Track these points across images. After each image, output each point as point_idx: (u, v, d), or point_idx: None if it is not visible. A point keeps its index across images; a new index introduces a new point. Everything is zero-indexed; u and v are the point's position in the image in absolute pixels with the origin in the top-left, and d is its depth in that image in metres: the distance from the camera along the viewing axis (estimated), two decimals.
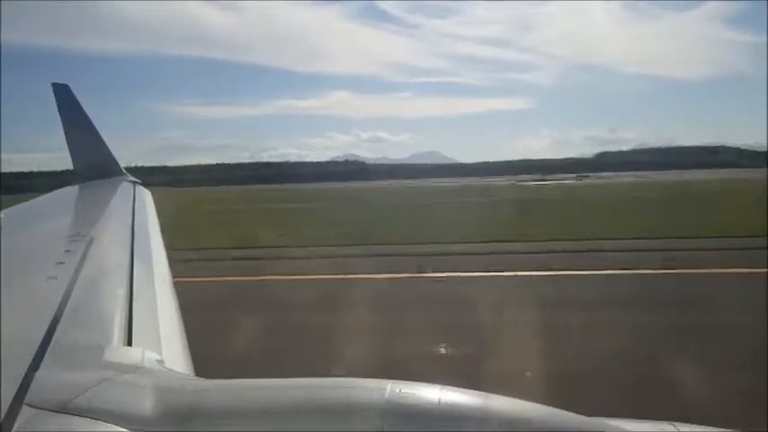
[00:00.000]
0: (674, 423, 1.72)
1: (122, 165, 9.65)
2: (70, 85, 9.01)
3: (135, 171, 9.83)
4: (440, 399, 1.49)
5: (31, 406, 1.56)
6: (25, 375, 1.76)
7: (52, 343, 2.09)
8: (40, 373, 1.79)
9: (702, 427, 1.75)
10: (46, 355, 1.96)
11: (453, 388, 1.56)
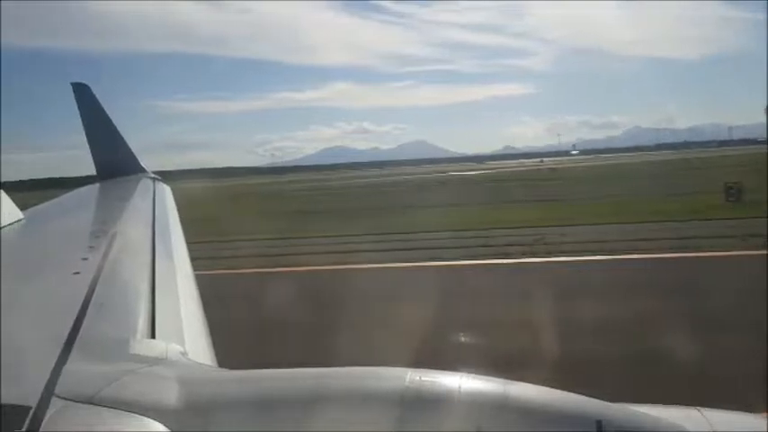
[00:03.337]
0: (699, 408, 1.71)
1: None
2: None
3: None
4: (460, 386, 1.51)
5: (60, 397, 1.60)
6: (54, 368, 1.80)
7: (79, 336, 2.13)
8: (68, 366, 1.83)
9: (728, 411, 1.75)
10: (73, 349, 2.00)
11: (474, 375, 1.58)
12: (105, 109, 9.17)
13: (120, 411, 1.53)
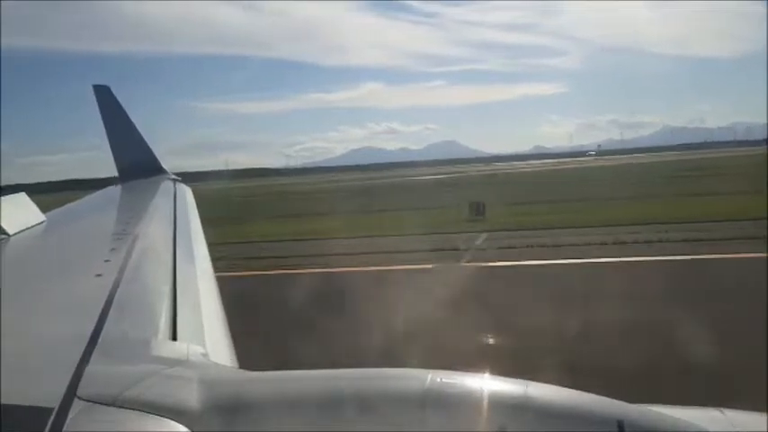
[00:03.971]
0: (721, 409, 1.70)
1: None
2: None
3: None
4: (481, 388, 1.50)
5: (82, 399, 1.60)
6: (76, 369, 1.79)
7: (101, 338, 2.13)
8: (90, 368, 1.83)
9: (750, 412, 1.73)
10: (95, 350, 2.00)
11: (495, 377, 1.57)
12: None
13: (141, 413, 1.52)
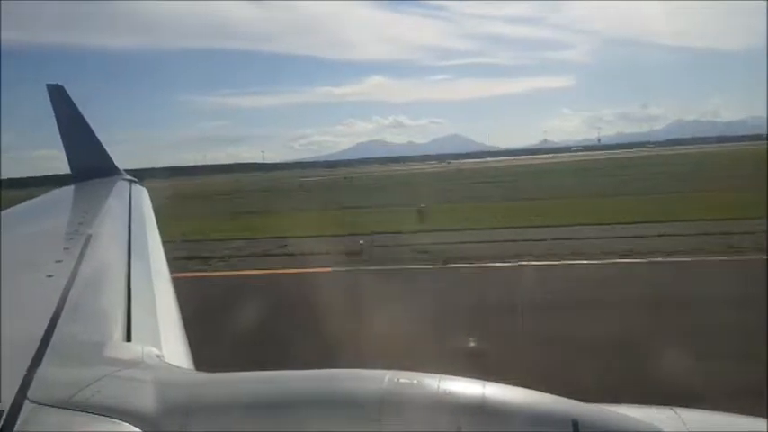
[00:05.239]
0: (674, 408, 1.73)
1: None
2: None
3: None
4: (438, 388, 1.50)
5: (33, 401, 1.58)
6: (27, 372, 1.77)
7: (53, 340, 2.10)
8: (41, 370, 1.80)
9: (702, 411, 1.76)
10: (47, 352, 1.97)
11: (453, 377, 1.58)
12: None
13: (94, 415, 1.50)
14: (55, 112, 8.90)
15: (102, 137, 9.28)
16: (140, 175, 10.36)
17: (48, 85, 8.98)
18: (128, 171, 9.60)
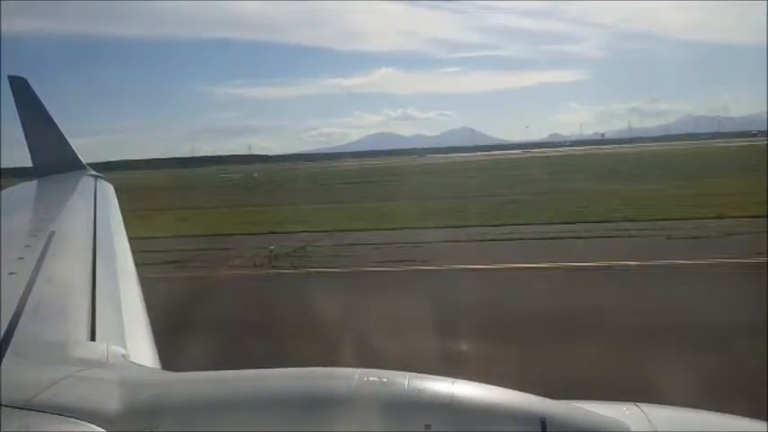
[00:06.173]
0: (638, 404, 1.76)
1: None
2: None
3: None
4: (408, 386, 1.50)
5: None
6: None
7: (14, 339, 2.05)
8: (2, 370, 1.77)
9: (664, 407, 1.80)
10: (7, 352, 1.93)
11: (422, 375, 1.58)
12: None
13: (56, 416, 1.46)
14: (17, 106, 8.67)
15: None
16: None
17: (9, 77, 8.75)
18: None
